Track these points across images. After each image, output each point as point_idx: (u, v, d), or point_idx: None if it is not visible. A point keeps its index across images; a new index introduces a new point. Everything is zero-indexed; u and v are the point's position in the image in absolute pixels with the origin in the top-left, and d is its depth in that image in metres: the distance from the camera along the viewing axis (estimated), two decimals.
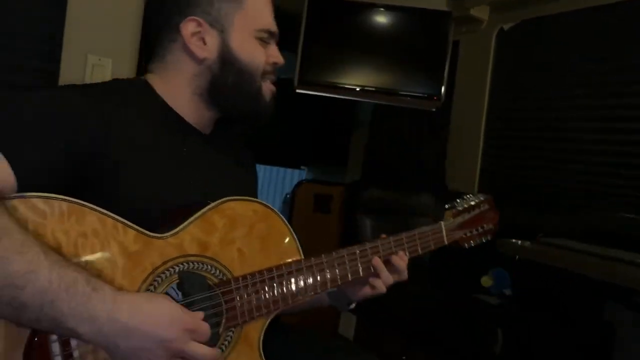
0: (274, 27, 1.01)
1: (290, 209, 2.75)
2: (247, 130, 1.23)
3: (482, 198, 1.29)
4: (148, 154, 0.89)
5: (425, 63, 2.65)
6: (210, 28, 0.95)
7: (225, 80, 0.97)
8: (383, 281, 1.05)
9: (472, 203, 1.26)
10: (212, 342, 0.83)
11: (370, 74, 2.62)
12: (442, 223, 1.20)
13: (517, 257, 1.83)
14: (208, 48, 0.95)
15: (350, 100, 2.75)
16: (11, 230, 0.65)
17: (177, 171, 0.93)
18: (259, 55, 0.99)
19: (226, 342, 0.87)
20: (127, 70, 1.87)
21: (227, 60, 0.96)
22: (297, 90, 2.58)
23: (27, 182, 0.72)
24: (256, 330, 0.91)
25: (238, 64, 0.96)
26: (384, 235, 1.11)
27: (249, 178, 1.16)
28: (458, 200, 1.26)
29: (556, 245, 1.89)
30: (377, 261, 1.05)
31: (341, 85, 2.59)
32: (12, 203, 0.70)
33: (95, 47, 1.80)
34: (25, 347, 0.68)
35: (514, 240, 1.86)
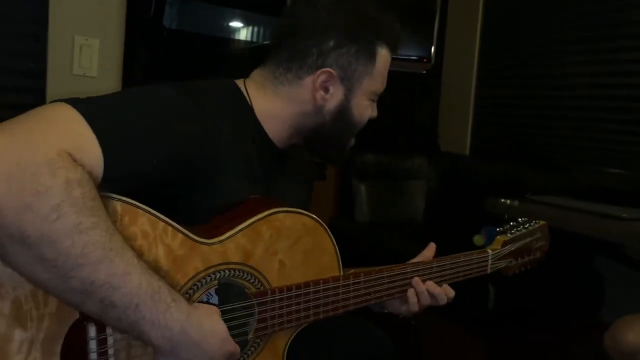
0: (383, 88, 1.04)
1: None
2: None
3: (536, 225, 1.22)
4: (236, 168, 0.90)
5: (415, 24, 2.63)
6: (339, 83, 0.96)
7: (332, 131, 0.99)
8: (420, 302, 1.04)
9: (525, 230, 1.20)
10: (241, 347, 0.85)
11: None
12: (490, 252, 1.14)
13: (505, 216, 1.87)
14: (330, 99, 0.97)
15: None
16: (115, 232, 0.66)
17: (251, 185, 0.93)
18: (368, 114, 1.02)
19: (252, 349, 0.90)
20: (114, 50, 1.87)
21: (342, 115, 0.98)
22: None
23: (110, 176, 0.71)
24: (284, 339, 0.93)
25: (349, 122, 0.99)
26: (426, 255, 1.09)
27: (308, 190, 1.17)
28: (511, 223, 1.20)
29: (544, 203, 1.93)
30: (417, 281, 1.03)
31: None
32: None
33: (82, 28, 1.80)
34: (63, 340, 0.71)
35: (502, 200, 1.90)
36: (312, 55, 0.94)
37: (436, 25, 2.59)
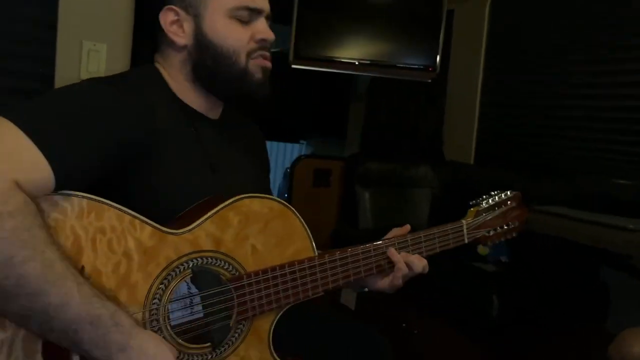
0: (253, 3, 0.97)
1: (290, 183, 2.79)
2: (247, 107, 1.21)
3: (509, 194, 1.24)
4: (176, 145, 0.92)
5: (421, 34, 2.65)
6: (186, 15, 0.96)
7: (205, 65, 0.97)
8: (401, 273, 1.05)
9: (498, 200, 1.22)
10: (222, 334, 0.88)
11: (366, 47, 2.62)
12: (464, 221, 1.17)
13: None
14: (185, 35, 0.96)
15: (347, 73, 2.75)
16: (54, 262, 0.68)
17: (192, 160, 0.95)
18: (234, 35, 0.96)
19: (236, 334, 0.90)
20: (121, 56, 1.88)
21: (202, 44, 0.96)
22: (293, 66, 2.59)
23: (65, 184, 0.74)
24: (267, 323, 0.94)
25: (212, 47, 0.96)
26: (401, 232, 1.10)
27: (259, 158, 1.17)
28: (484, 196, 1.22)
29: (550, 213, 1.92)
30: (393, 252, 1.05)
31: (337, 59, 2.59)
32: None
33: (90, 33, 1.81)
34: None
35: None
36: (157, 3, 0.96)
37: (442, 34, 2.60)
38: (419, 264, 1.07)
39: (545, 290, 2.05)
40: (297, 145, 4.41)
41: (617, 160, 2.10)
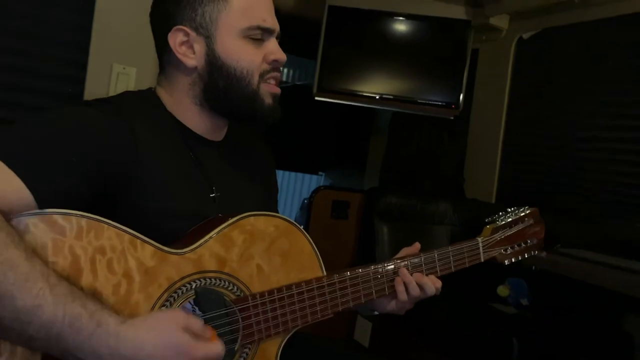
0: (265, 23, 0.94)
1: (307, 214, 2.77)
2: (257, 131, 1.18)
3: (526, 211, 1.19)
4: (164, 167, 0.89)
5: (444, 71, 2.66)
6: (197, 35, 0.92)
7: (216, 86, 0.94)
8: (409, 295, 1.01)
9: (514, 217, 1.17)
10: (227, 358, 0.83)
11: (389, 82, 2.64)
12: (480, 239, 1.12)
13: (534, 267, 1.81)
14: (196, 56, 0.93)
15: (369, 107, 2.77)
16: (17, 263, 0.65)
17: (190, 182, 0.93)
18: (248, 56, 0.93)
19: (242, 359, 0.87)
20: (150, 79, 1.91)
21: (214, 65, 0.93)
22: (316, 98, 2.61)
23: (46, 203, 0.73)
24: (274, 346, 0.90)
25: (225, 68, 0.93)
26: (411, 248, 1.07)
27: (266, 181, 1.13)
28: (500, 213, 1.17)
29: (574, 256, 1.87)
30: (404, 272, 1.01)
31: (360, 93, 2.61)
32: (32, 220, 0.70)
33: (120, 56, 1.86)
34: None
35: None
36: (163, 24, 0.93)
37: (466, 72, 2.61)
38: (432, 286, 1.02)
39: (566, 336, 1.98)
40: (315, 177, 4.42)
41: None
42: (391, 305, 1.04)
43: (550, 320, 2.09)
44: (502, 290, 2.24)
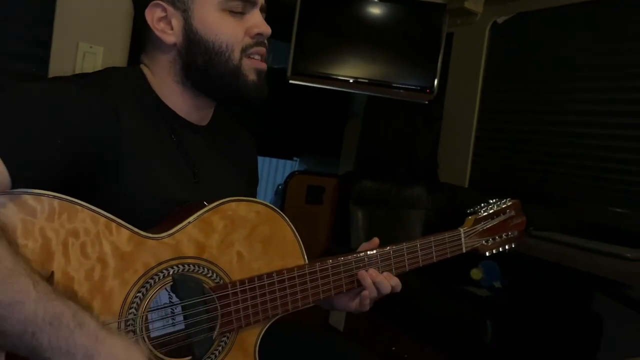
0: None
1: (282, 200, 2.75)
2: (237, 109, 1.15)
3: (508, 203, 1.20)
4: (145, 150, 0.85)
5: (419, 55, 2.65)
6: (174, 10, 0.88)
7: (196, 63, 0.89)
8: (369, 293, 0.99)
9: (497, 208, 1.18)
10: (205, 347, 0.81)
11: (364, 66, 2.62)
12: (462, 230, 1.12)
13: (507, 249, 1.83)
14: (174, 32, 0.89)
15: (344, 91, 2.74)
16: (1, 258, 0.62)
17: (172, 167, 0.89)
18: (227, 29, 0.89)
19: (220, 348, 0.85)
20: (118, 59, 1.85)
21: (192, 41, 0.89)
22: (290, 81, 2.57)
23: (22, 179, 0.69)
24: (253, 335, 0.88)
25: (204, 43, 0.88)
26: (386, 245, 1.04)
27: (248, 170, 1.10)
28: (481, 205, 1.18)
29: (546, 238, 1.90)
30: (363, 274, 0.97)
31: (334, 77, 2.58)
32: (0, 200, 0.67)
33: (87, 34, 1.79)
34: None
35: None
36: (141, 1, 0.90)
37: (440, 57, 2.60)
38: (387, 284, 0.99)
39: (538, 318, 2.02)
40: (290, 162, 4.39)
41: (616, 190, 2.09)
42: (355, 303, 1.02)
43: (522, 302, 2.12)
44: (475, 273, 2.26)
